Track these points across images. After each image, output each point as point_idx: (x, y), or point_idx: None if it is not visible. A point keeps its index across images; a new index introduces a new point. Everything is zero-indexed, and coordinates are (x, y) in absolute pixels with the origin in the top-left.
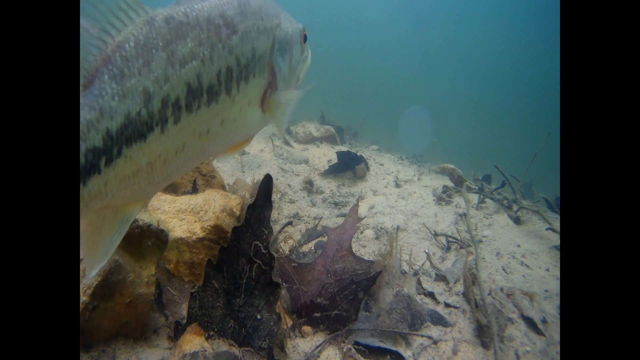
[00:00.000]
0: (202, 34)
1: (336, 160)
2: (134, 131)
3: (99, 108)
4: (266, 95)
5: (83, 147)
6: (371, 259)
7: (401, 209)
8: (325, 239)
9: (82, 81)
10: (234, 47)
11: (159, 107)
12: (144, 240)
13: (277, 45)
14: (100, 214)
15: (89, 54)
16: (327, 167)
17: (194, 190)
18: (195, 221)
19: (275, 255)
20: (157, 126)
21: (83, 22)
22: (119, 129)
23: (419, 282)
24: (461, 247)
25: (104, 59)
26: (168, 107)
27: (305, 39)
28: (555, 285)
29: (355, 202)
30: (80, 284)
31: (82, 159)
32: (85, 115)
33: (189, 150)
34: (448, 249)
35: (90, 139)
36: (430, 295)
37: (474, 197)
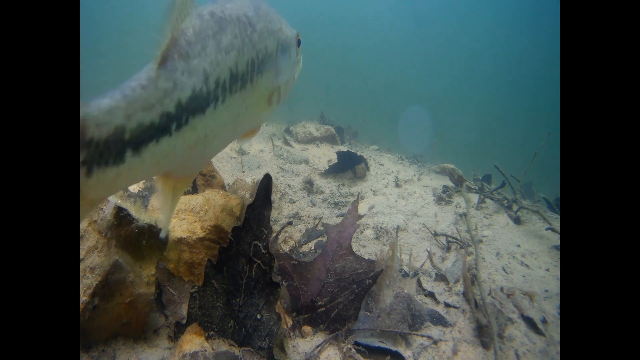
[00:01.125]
0: (235, 29)
1: (336, 160)
2: (197, 104)
3: (172, 80)
4: (272, 87)
5: (160, 110)
6: (371, 258)
7: (401, 209)
8: (325, 239)
9: (156, 59)
10: (255, 43)
11: (214, 87)
12: (144, 240)
13: (280, 46)
14: (164, 181)
15: (163, 38)
16: (327, 167)
17: (194, 190)
18: (195, 221)
19: (275, 254)
20: (212, 103)
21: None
22: (187, 101)
23: (419, 282)
24: (461, 247)
25: (172, 42)
26: (219, 87)
27: (299, 43)
28: (555, 285)
29: (355, 199)
30: (80, 284)
31: (156, 121)
32: (162, 84)
33: (228, 129)
34: (448, 249)
35: (165, 105)
36: (430, 295)
37: (474, 197)
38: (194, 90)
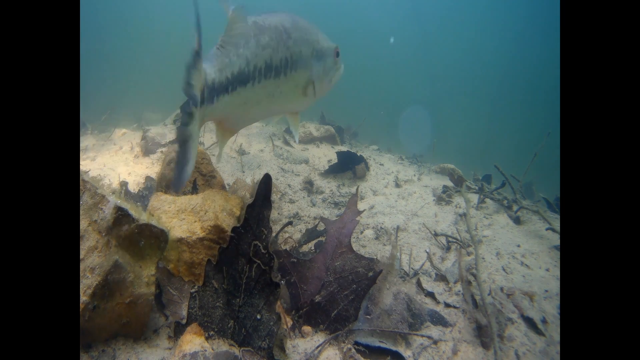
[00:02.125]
0: (272, 34)
1: (336, 160)
2: (241, 79)
3: (227, 60)
4: (307, 83)
5: (223, 76)
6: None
7: (401, 209)
8: (325, 239)
9: (216, 45)
10: (289, 47)
11: (252, 70)
12: (144, 240)
13: (315, 53)
14: (219, 126)
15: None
16: (327, 167)
17: (194, 190)
18: (195, 221)
19: (275, 252)
20: (250, 80)
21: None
22: (236, 74)
23: (418, 282)
24: (461, 247)
25: (227, 34)
26: (256, 71)
27: (337, 54)
28: (555, 285)
29: (354, 193)
30: (80, 284)
31: (223, 80)
32: (223, 59)
33: (263, 103)
34: (448, 249)
35: (223, 73)
36: (430, 295)
37: (474, 197)
38: (240, 68)
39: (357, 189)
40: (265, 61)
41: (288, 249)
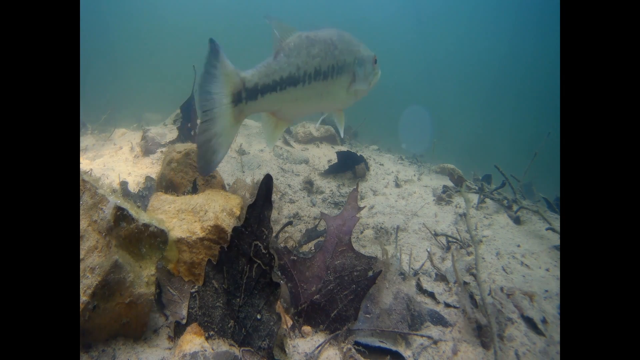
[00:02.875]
0: (322, 46)
1: (336, 160)
2: (291, 80)
3: (279, 66)
4: (350, 85)
5: (270, 79)
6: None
7: (401, 209)
8: (325, 237)
9: (272, 54)
10: (335, 56)
11: (302, 74)
12: (144, 240)
13: (357, 61)
14: (271, 118)
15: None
16: (327, 167)
17: (194, 190)
18: (195, 221)
19: (275, 249)
20: (300, 82)
21: (275, 31)
22: (286, 77)
23: (418, 282)
24: (461, 247)
25: (282, 47)
26: (306, 75)
27: (375, 61)
28: (555, 285)
29: (354, 188)
30: (80, 284)
31: (270, 82)
32: (273, 66)
33: (313, 100)
34: (448, 249)
35: (275, 75)
36: (430, 295)
37: (474, 197)
38: (290, 73)
39: (357, 184)
40: (314, 67)
41: (288, 247)
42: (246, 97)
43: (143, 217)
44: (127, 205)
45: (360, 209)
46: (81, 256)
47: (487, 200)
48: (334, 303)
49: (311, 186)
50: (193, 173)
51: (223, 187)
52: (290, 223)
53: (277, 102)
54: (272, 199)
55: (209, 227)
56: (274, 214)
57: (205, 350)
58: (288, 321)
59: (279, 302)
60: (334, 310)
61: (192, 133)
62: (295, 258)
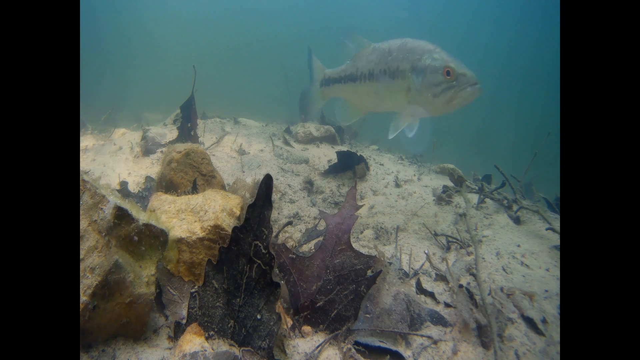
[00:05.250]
0: (379, 53)
1: (336, 160)
2: (351, 77)
3: (346, 67)
4: (408, 92)
5: (337, 75)
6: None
7: (401, 209)
8: (324, 235)
9: (351, 59)
10: (388, 62)
11: (359, 74)
12: (144, 240)
13: (413, 68)
14: (348, 103)
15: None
16: (327, 167)
17: (194, 190)
18: (195, 221)
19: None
20: (358, 80)
21: (349, 44)
22: (348, 75)
23: (418, 282)
24: (461, 247)
25: (356, 55)
26: (362, 75)
27: (448, 73)
28: (555, 285)
29: (352, 186)
30: (80, 284)
31: (337, 77)
32: (345, 66)
33: (370, 96)
34: (448, 249)
35: (342, 73)
36: (430, 295)
37: (474, 197)
38: (351, 72)
39: (355, 182)
40: (368, 70)
41: (286, 245)
42: (325, 83)
43: (143, 217)
44: (127, 205)
45: (358, 207)
46: (81, 256)
47: (487, 200)
48: (334, 303)
49: (311, 186)
50: (193, 173)
51: (223, 187)
52: (290, 223)
53: (342, 91)
54: (272, 199)
55: (209, 227)
56: (274, 214)
57: (205, 350)
58: (288, 321)
59: (279, 302)
60: (333, 310)
61: (192, 133)
62: (294, 256)
